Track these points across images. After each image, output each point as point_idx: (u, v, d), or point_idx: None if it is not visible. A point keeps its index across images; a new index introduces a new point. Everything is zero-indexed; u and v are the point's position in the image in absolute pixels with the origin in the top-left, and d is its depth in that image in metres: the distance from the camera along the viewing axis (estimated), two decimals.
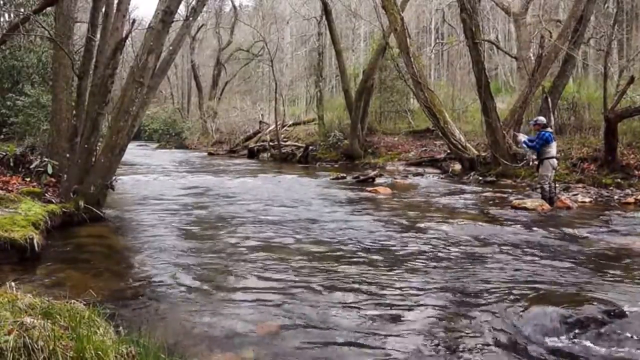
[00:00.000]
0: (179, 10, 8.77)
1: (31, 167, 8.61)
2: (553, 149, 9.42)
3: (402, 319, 3.91)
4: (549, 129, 9.57)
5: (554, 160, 9.48)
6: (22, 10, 14.65)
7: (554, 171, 9.58)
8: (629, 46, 24.87)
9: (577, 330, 3.60)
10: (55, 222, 6.68)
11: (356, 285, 4.70)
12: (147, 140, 41.12)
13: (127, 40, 8.45)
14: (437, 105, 15.65)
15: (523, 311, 3.89)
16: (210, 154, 27.92)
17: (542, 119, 9.87)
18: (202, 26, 40.51)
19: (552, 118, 14.13)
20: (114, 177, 8.28)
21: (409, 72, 16.05)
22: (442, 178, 15.06)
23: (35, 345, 2.46)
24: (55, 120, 9.54)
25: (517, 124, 15.00)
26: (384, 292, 4.51)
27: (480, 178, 13.86)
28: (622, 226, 7.60)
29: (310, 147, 22.11)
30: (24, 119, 13.81)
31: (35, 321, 2.67)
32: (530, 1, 22.06)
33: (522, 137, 10.09)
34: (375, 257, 5.76)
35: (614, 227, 7.51)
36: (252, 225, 7.56)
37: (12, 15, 16.62)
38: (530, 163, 11.49)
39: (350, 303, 4.23)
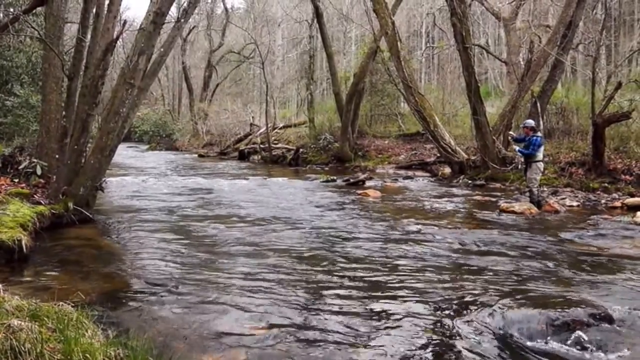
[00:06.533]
0: (170, 12, 8.77)
1: (20, 168, 8.52)
2: (541, 153, 9.58)
3: (388, 321, 3.93)
4: (538, 133, 9.72)
5: (541, 163, 9.65)
6: (11, 10, 14.53)
7: (541, 174, 9.73)
8: (616, 52, 25.12)
9: (563, 333, 3.64)
10: (44, 223, 6.64)
11: (344, 288, 4.72)
12: (138, 142, 40.89)
13: (117, 42, 8.43)
14: (427, 109, 15.73)
15: (509, 314, 3.92)
16: (200, 155, 27.82)
17: (530, 122, 9.99)
18: (193, 28, 40.35)
19: (541, 122, 14.27)
20: (103, 179, 8.24)
21: (399, 76, 16.12)
22: (431, 181, 15.12)
23: (23, 348, 2.45)
24: (44, 121, 9.44)
25: (506, 128, 15.10)
26: (371, 294, 4.54)
27: (470, 181, 13.95)
28: (609, 230, 7.69)
29: (301, 150, 22.09)
30: (13, 120, 13.68)
31: (23, 323, 2.66)
32: (520, 6, 22.27)
33: (517, 147, 10.08)
34: (363, 259, 5.79)
35: (600, 231, 7.60)
36: (241, 227, 7.56)
37: (1, 15, 16.47)
38: (519, 166, 11.59)
39: (337, 305, 4.25)
